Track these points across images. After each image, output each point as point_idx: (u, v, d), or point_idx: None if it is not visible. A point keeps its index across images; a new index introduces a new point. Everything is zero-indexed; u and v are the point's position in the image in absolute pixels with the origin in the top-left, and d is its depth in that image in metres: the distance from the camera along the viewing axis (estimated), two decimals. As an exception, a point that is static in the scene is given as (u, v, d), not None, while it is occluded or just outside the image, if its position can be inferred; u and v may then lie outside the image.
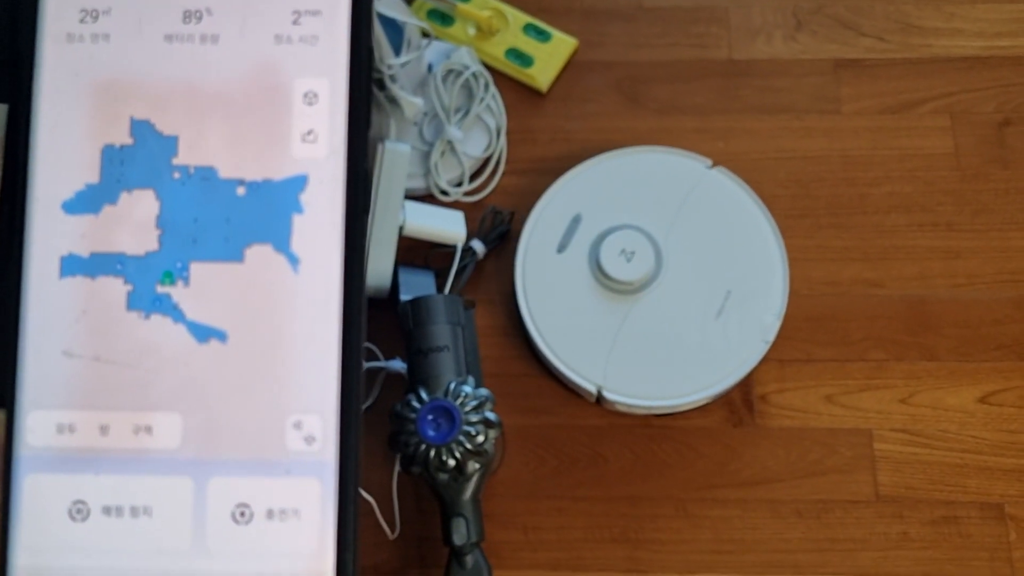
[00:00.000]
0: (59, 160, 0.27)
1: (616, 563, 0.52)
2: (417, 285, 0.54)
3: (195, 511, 0.26)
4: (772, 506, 0.53)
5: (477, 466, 0.47)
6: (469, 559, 0.47)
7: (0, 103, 0.28)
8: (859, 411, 0.54)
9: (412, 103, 0.56)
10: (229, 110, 0.27)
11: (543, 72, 0.62)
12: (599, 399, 0.53)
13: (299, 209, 0.27)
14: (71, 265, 0.27)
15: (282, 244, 0.27)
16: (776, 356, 0.55)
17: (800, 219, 0.58)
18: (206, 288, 0.27)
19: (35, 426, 0.26)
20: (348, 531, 0.26)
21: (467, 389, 0.46)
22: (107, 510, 0.26)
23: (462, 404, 0.46)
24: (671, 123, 0.61)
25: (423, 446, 0.45)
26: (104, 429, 0.26)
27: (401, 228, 0.53)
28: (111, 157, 0.27)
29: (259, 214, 0.27)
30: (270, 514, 0.26)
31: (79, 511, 0.26)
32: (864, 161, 0.60)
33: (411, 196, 0.58)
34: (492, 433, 0.46)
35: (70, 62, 0.27)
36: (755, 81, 0.62)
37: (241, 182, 0.27)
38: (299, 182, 0.27)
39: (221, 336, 0.26)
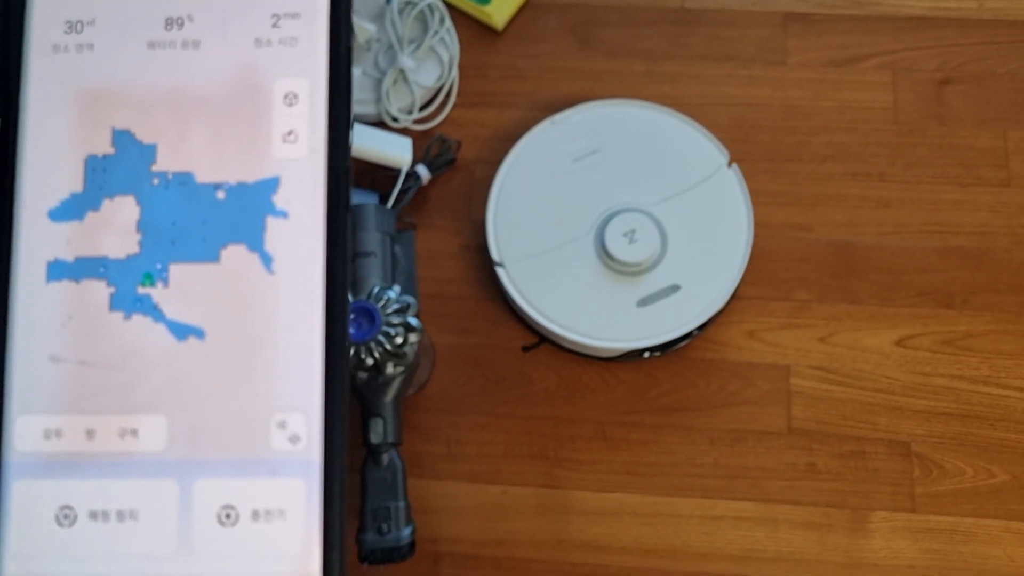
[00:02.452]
0: (45, 170, 0.28)
1: (533, 478, 0.54)
2: (360, 202, 0.56)
3: (181, 514, 0.26)
4: (687, 433, 0.55)
5: (396, 369, 0.48)
6: (384, 457, 0.49)
7: None
8: (779, 347, 0.56)
9: (364, 29, 0.58)
10: (210, 115, 0.28)
11: (500, 11, 0.64)
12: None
13: (273, 209, 0.27)
14: (57, 270, 0.28)
15: (255, 243, 0.27)
16: (703, 291, 0.57)
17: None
18: (185, 288, 0.27)
19: (23, 432, 0.27)
20: (334, 531, 0.26)
21: (391, 294, 0.48)
22: (93, 515, 0.26)
23: (384, 307, 0.47)
24: (621, 66, 0.63)
25: (344, 345, 0.46)
26: (90, 433, 0.27)
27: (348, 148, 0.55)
28: (94, 166, 0.28)
29: (234, 215, 0.27)
30: (256, 515, 0.26)
31: (66, 516, 0.26)
32: (805, 111, 0.61)
33: (362, 121, 0.60)
34: (412, 337, 0.48)
35: (55, 73, 0.28)
36: (705, 29, 0.63)
37: (218, 185, 0.28)
38: (272, 183, 0.27)
39: (199, 334, 0.27)
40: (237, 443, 0.26)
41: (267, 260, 0.27)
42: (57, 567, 0.26)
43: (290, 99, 0.28)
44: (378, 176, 0.58)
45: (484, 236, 0.57)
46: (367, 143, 0.57)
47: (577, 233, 0.56)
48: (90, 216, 0.28)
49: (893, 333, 0.56)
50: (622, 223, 0.54)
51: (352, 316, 0.47)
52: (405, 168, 0.58)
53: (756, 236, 0.58)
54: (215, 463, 0.26)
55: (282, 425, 0.26)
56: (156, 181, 0.28)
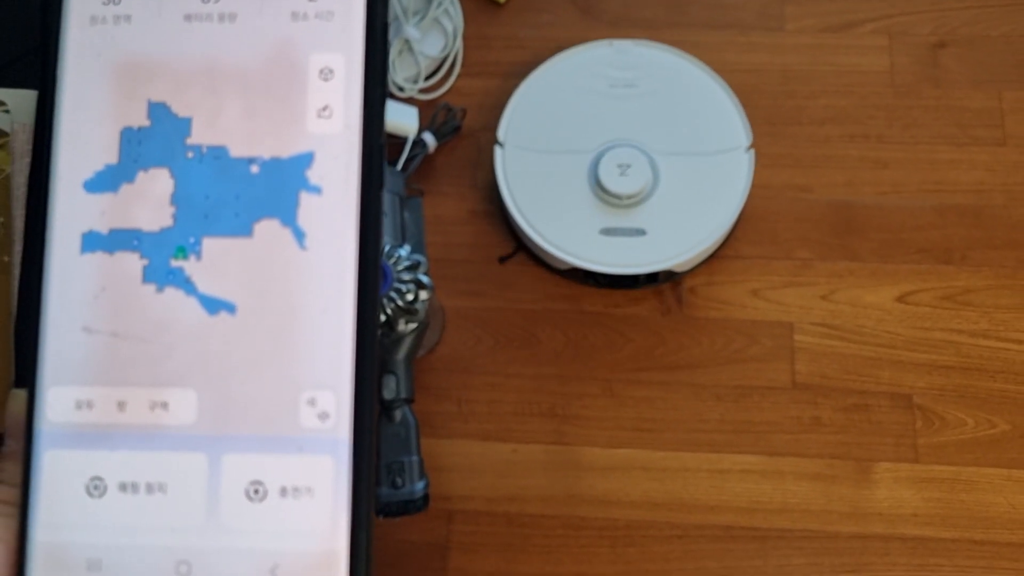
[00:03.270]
0: (81, 142, 0.28)
1: (543, 436, 0.55)
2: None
3: (209, 488, 0.26)
4: (693, 389, 0.56)
5: (408, 326, 0.49)
6: (397, 413, 0.50)
7: (32, 89, 0.29)
8: (782, 305, 0.57)
9: None
10: (245, 89, 0.28)
11: (502, -18, 0.65)
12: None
13: (306, 184, 0.27)
14: (91, 241, 0.28)
15: (288, 218, 0.27)
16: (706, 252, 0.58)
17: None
18: (217, 262, 0.27)
19: (55, 402, 0.27)
20: (362, 510, 0.26)
21: (402, 252, 0.49)
22: (123, 486, 0.26)
23: (395, 264, 0.48)
24: (622, 35, 0.64)
25: (356, 302, 0.47)
26: (121, 405, 0.27)
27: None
28: (129, 138, 0.28)
29: (268, 190, 0.27)
30: (284, 491, 0.26)
31: (96, 487, 0.26)
32: (803, 76, 0.62)
33: (368, 91, 0.61)
34: (423, 294, 0.49)
35: (93, 44, 0.28)
36: (704, -2, 0.65)
37: (252, 160, 0.27)
38: (307, 159, 0.27)
39: (230, 308, 0.27)
40: (266, 419, 0.26)
41: (300, 236, 0.27)
42: (86, 537, 0.26)
43: (325, 74, 0.28)
44: (386, 144, 0.59)
45: (490, 198, 0.58)
46: (374, 111, 0.58)
47: (581, 148, 0.57)
48: (124, 188, 0.28)
49: (894, 289, 0.57)
50: (622, 155, 0.56)
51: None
52: (412, 136, 0.59)
53: (757, 197, 0.60)
54: (244, 438, 0.26)
55: (311, 402, 0.26)
56: (190, 154, 0.28)
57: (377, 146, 0.27)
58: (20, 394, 0.27)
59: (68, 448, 0.27)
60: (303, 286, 0.27)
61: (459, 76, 0.63)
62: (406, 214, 0.56)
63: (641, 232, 0.55)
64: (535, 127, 0.58)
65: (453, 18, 0.63)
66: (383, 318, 0.48)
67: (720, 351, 0.57)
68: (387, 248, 0.50)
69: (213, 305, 0.27)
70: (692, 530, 0.53)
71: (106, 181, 0.28)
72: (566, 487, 0.54)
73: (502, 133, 0.58)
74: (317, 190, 0.27)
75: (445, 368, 0.57)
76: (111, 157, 0.28)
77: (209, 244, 0.27)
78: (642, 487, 0.54)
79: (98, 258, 0.27)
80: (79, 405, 0.27)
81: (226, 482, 0.26)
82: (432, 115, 0.61)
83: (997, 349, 0.56)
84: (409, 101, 0.62)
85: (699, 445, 0.55)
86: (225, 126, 0.27)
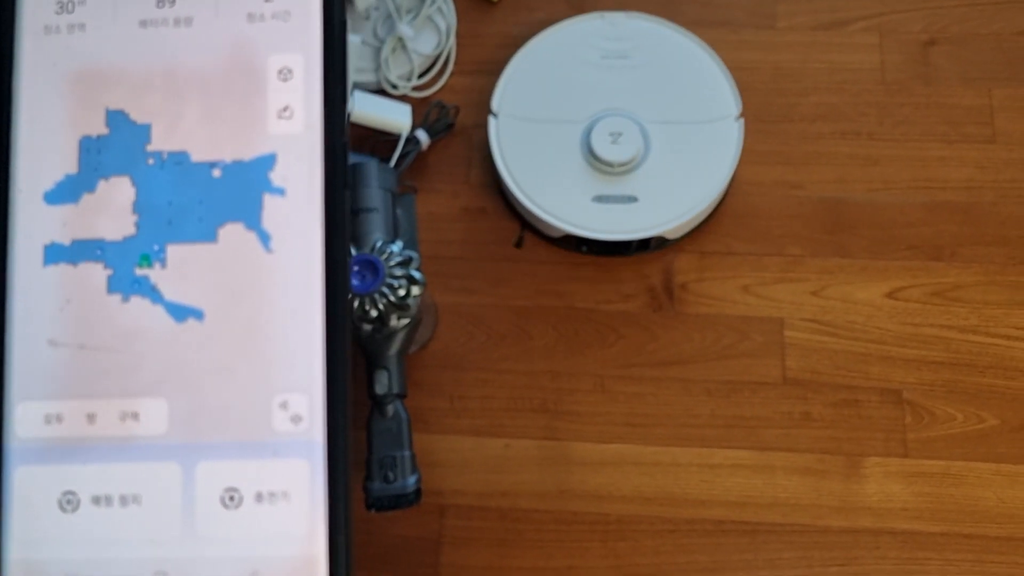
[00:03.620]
0: (40, 153, 0.28)
1: (534, 431, 0.56)
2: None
3: (184, 497, 0.26)
4: (684, 385, 0.56)
5: (400, 322, 0.50)
6: (390, 408, 0.50)
7: None
8: (773, 301, 0.58)
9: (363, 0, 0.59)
10: (204, 93, 0.27)
11: (495, -19, 0.65)
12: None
13: (269, 186, 0.27)
14: (54, 253, 0.27)
15: (253, 222, 0.27)
16: (697, 248, 0.58)
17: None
18: (182, 269, 0.27)
19: (23, 418, 0.26)
20: (340, 512, 0.25)
21: (394, 248, 0.49)
22: (96, 499, 0.26)
23: (387, 259, 0.49)
24: (614, 33, 0.64)
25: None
26: (91, 417, 0.26)
27: (349, 115, 0.57)
28: (88, 147, 0.28)
29: (231, 194, 0.27)
30: (259, 497, 0.26)
31: (69, 502, 0.26)
32: (795, 73, 0.63)
33: (362, 88, 0.61)
34: (415, 289, 0.49)
35: (47, 54, 0.28)
36: (696, -4, 0.65)
37: (214, 164, 0.27)
38: (269, 160, 0.27)
39: (198, 315, 0.26)
40: (239, 425, 0.26)
41: (265, 238, 0.27)
42: (61, 553, 0.26)
43: (285, 74, 0.27)
44: (378, 142, 0.60)
45: (482, 195, 0.59)
46: (368, 109, 0.58)
47: (573, 118, 0.58)
48: (86, 198, 0.27)
49: (884, 285, 0.58)
50: (614, 123, 0.57)
51: (356, 268, 0.49)
52: (405, 133, 0.59)
53: (748, 194, 0.60)
54: (217, 445, 0.26)
55: (284, 406, 0.26)
56: (151, 161, 0.27)
57: (340, 144, 0.27)
58: None
59: (39, 464, 0.26)
60: (271, 289, 0.26)
61: (452, 74, 0.63)
62: (399, 211, 0.57)
63: (633, 199, 0.57)
64: (529, 97, 0.59)
65: (446, 16, 0.63)
66: (375, 314, 0.49)
67: (711, 347, 0.57)
68: (379, 244, 0.50)
69: (180, 312, 0.27)
70: (683, 524, 0.53)
71: (66, 192, 0.27)
72: (558, 482, 0.55)
73: (496, 103, 0.59)
74: (281, 192, 0.27)
75: (437, 364, 0.57)
76: (70, 167, 0.27)
77: (174, 251, 0.27)
78: (633, 482, 0.54)
79: (61, 270, 0.27)
80: (48, 419, 0.26)
81: (201, 490, 0.26)
82: (425, 112, 0.61)
83: (986, 344, 0.56)
84: (402, 99, 0.62)
85: (690, 440, 0.55)
86: (185, 131, 0.27)
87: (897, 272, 0.58)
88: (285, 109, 0.27)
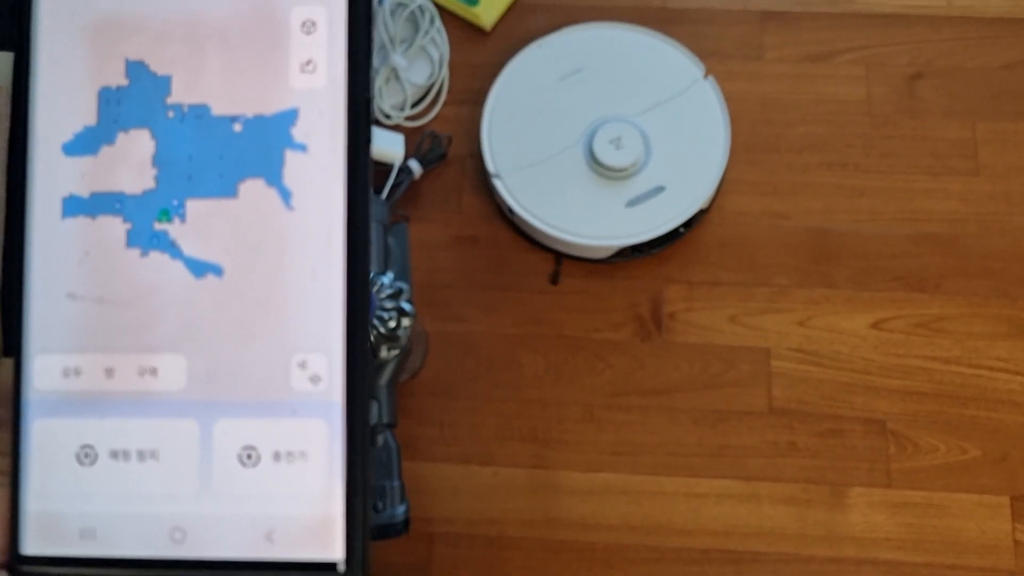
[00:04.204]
0: (58, 104, 0.27)
1: (523, 459, 0.56)
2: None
3: (202, 454, 0.26)
4: (672, 414, 0.57)
5: (390, 352, 0.50)
6: (380, 438, 0.51)
7: (6, 51, 0.28)
8: (760, 331, 0.58)
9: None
10: (225, 45, 0.27)
11: (488, 11, 0.66)
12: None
13: (291, 142, 0.26)
14: (73, 206, 0.27)
15: (274, 178, 0.26)
16: (686, 278, 0.59)
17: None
18: (202, 224, 0.26)
19: (42, 371, 0.26)
20: (357, 473, 0.25)
21: (385, 280, 0.50)
22: (114, 454, 0.26)
23: (378, 291, 0.49)
24: (605, 63, 0.65)
25: (340, 329, 0.48)
26: (109, 372, 0.26)
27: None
28: (107, 99, 0.27)
29: (252, 149, 0.26)
30: (277, 456, 0.25)
31: (87, 455, 0.26)
32: (782, 104, 0.64)
33: (355, 118, 0.62)
34: (406, 321, 0.50)
35: (65, 3, 0.27)
36: (686, 28, 0.66)
37: (235, 118, 0.27)
38: (291, 115, 0.26)
39: (217, 271, 0.26)
40: (257, 383, 0.26)
41: (286, 195, 0.26)
42: (78, 507, 0.26)
43: (308, 27, 0.27)
44: (373, 98, 0.60)
45: (474, 224, 0.59)
46: (360, 138, 0.59)
47: (567, 144, 0.60)
48: (105, 150, 0.27)
49: (869, 316, 0.58)
50: (608, 131, 0.59)
51: (348, 301, 0.49)
52: (398, 163, 0.60)
53: (736, 224, 0.61)
54: (235, 403, 0.26)
55: (303, 365, 0.26)
56: (171, 114, 0.27)
57: (364, 100, 0.26)
58: (7, 363, 0.27)
59: (57, 417, 0.26)
60: (291, 246, 0.26)
61: (445, 103, 0.64)
62: (391, 240, 0.57)
63: (661, 189, 0.58)
64: (517, 147, 0.60)
65: (440, 46, 0.64)
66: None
67: (698, 376, 0.58)
68: (372, 277, 0.50)
69: (199, 268, 0.26)
70: (669, 553, 0.54)
71: (85, 143, 0.27)
72: (546, 510, 0.55)
73: (492, 166, 0.59)
74: (302, 148, 0.26)
75: (428, 392, 0.57)
76: (90, 119, 0.27)
77: (193, 206, 0.27)
78: (620, 511, 0.55)
79: (80, 223, 0.27)
80: (66, 373, 0.26)
81: (218, 448, 0.26)
82: (418, 142, 0.62)
83: (969, 376, 0.57)
84: (395, 128, 0.63)
85: (677, 469, 0.56)
86: (206, 84, 0.27)
87: (882, 303, 0.59)
88: (308, 63, 0.27)
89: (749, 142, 0.62)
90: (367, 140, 0.27)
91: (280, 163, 0.26)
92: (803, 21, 0.66)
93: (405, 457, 0.53)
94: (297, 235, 0.26)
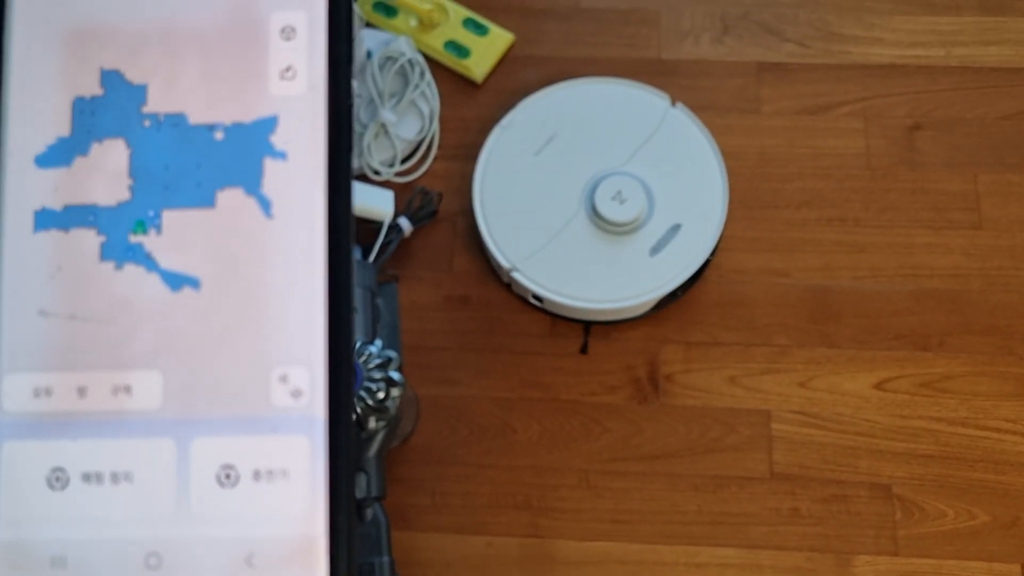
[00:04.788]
0: (31, 115, 0.27)
1: (518, 528, 0.54)
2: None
3: (178, 474, 0.25)
4: (671, 480, 0.55)
5: (379, 424, 0.49)
6: (368, 512, 0.49)
7: None
8: (760, 393, 0.57)
9: (346, 85, 0.59)
10: (203, 52, 0.26)
11: (479, 64, 0.65)
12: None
13: (271, 150, 0.26)
14: (45, 219, 0.26)
15: (253, 187, 0.26)
16: (683, 339, 0.58)
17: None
18: (179, 235, 0.26)
19: (11, 391, 0.25)
20: (341, 492, 0.24)
21: (372, 349, 0.49)
22: (87, 477, 0.25)
23: (366, 362, 0.48)
24: (599, 116, 0.64)
25: (327, 401, 0.47)
26: (82, 391, 0.25)
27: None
28: (82, 109, 0.26)
29: (231, 158, 0.26)
30: (257, 475, 0.25)
31: (58, 479, 0.25)
32: (779, 158, 0.62)
33: (344, 175, 0.61)
34: (395, 391, 0.48)
35: (41, 11, 0.27)
36: (681, 80, 0.65)
37: (213, 126, 0.26)
38: (270, 123, 0.26)
39: (194, 284, 0.25)
40: (236, 399, 0.25)
41: (265, 204, 0.26)
42: (50, 533, 0.25)
43: (288, 33, 0.26)
44: (360, 229, 0.59)
45: (466, 284, 0.58)
46: (349, 197, 0.58)
47: (568, 213, 0.58)
48: (78, 161, 0.26)
49: (871, 376, 0.57)
50: (606, 188, 0.57)
51: (334, 372, 0.48)
52: (387, 221, 0.59)
53: (733, 282, 0.59)
54: (213, 421, 0.25)
55: (283, 379, 0.25)
56: (147, 123, 0.26)
57: (345, 107, 0.26)
58: None
59: (27, 439, 0.25)
60: (271, 257, 0.25)
61: (436, 158, 0.63)
62: (380, 301, 0.56)
63: (678, 227, 0.57)
64: (521, 234, 0.58)
65: (430, 100, 0.63)
66: (354, 417, 0.48)
67: (697, 440, 0.56)
68: (358, 345, 0.49)
69: (176, 281, 0.26)
70: (669, 627, 0.52)
71: (59, 155, 0.26)
72: (541, 582, 0.53)
73: (506, 262, 0.57)
74: (282, 156, 0.26)
75: (419, 459, 0.56)
76: (63, 129, 0.26)
77: (170, 217, 0.26)
78: (619, 581, 0.53)
79: (52, 236, 0.26)
80: (37, 392, 0.25)
81: (196, 468, 0.25)
82: (408, 199, 0.61)
83: (976, 437, 0.56)
84: (385, 185, 0.62)
85: (676, 537, 0.54)
86: (183, 92, 0.26)
87: (884, 362, 0.57)
88: (288, 69, 0.26)
89: (746, 198, 0.61)
90: (348, 147, 0.26)
91: (259, 172, 0.26)
92: (799, 73, 0.65)
93: (395, 527, 0.51)
94: (277, 245, 0.25)
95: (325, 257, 0.25)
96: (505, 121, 0.61)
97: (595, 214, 0.57)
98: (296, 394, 0.25)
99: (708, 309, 0.58)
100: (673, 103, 0.60)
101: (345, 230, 0.25)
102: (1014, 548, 0.53)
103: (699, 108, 0.64)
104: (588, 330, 0.58)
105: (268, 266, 0.26)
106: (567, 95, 0.62)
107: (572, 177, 0.59)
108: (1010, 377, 0.57)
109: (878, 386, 0.57)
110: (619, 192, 0.57)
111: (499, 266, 0.58)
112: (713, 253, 0.57)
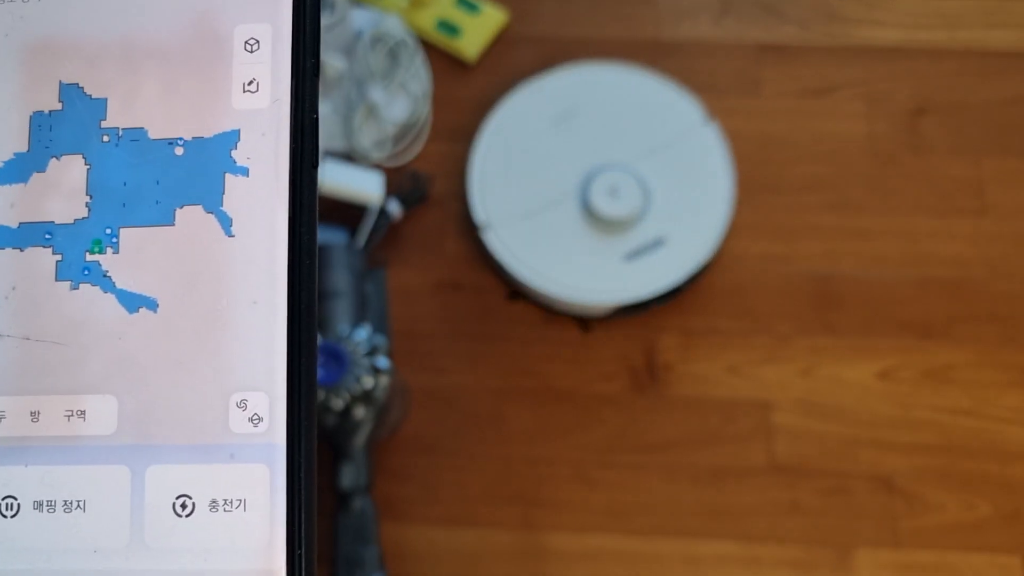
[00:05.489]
0: None
1: (510, 521, 0.53)
2: (329, 241, 0.55)
3: (133, 504, 0.24)
4: (668, 471, 0.54)
5: (366, 412, 0.47)
6: (356, 503, 0.47)
7: None
8: (760, 382, 0.55)
9: (333, 66, 0.57)
10: (165, 65, 0.26)
11: (471, 43, 0.63)
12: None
13: (232, 165, 0.25)
14: (0, 237, 0.26)
15: (213, 204, 0.25)
16: (681, 326, 0.56)
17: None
18: (137, 255, 0.25)
19: None
20: (299, 524, 0.23)
21: (361, 335, 0.47)
22: (39, 505, 0.24)
23: (353, 349, 0.46)
24: (595, 98, 0.62)
25: (313, 389, 0.45)
26: (35, 415, 0.25)
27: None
28: (40, 124, 0.26)
29: (191, 174, 0.25)
30: (214, 505, 0.24)
31: (9, 507, 0.24)
32: (780, 142, 0.61)
33: (332, 156, 0.59)
34: (383, 380, 0.47)
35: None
36: (679, 61, 0.63)
37: (173, 142, 0.25)
38: (231, 137, 0.25)
39: (152, 305, 0.25)
40: (193, 425, 0.24)
41: (226, 222, 0.25)
42: (0, 562, 0.24)
43: (251, 45, 0.26)
44: (349, 213, 0.57)
45: (458, 269, 0.56)
46: (337, 180, 0.56)
47: (561, 193, 0.57)
48: (35, 178, 0.26)
49: (874, 365, 0.56)
50: (605, 180, 0.56)
51: (320, 359, 0.46)
52: (376, 204, 0.57)
53: (734, 269, 0.58)
54: (169, 448, 0.24)
55: (242, 405, 0.24)
56: (106, 138, 0.26)
57: (309, 121, 0.25)
58: None
59: None
60: (231, 277, 0.25)
61: (427, 141, 0.61)
62: (368, 286, 0.54)
63: (661, 242, 0.55)
64: (508, 196, 0.57)
65: (421, 81, 0.61)
66: (340, 405, 0.46)
67: (695, 431, 0.55)
68: (345, 331, 0.47)
69: (133, 302, 0.25)
70: (666, 621, 0.51)
71: (15, 171, 0.26)
72: (534, 575, 0.52)
73: (481, 216, 0.56)
74: (244, 171, 0.25)
75: (409, 449, 0.54)
76: (20, 145, 0.26)
77: (127, 235, 0.25)
78: (613, 574, 0.52)
79: (7, 255, 0.25)
80: None
81: (151, 497, 0.24)
82: (398, 182, 0.59)
83: (979, 428, 0.54)
84: (376, 168, 0.60)
85: (673, 530, 0.53)
86: (143, 106, 0.26)
87: (887, 351, 0.56)
88: (251, 82, 0.26)
89: (747, 182, 0.60)
90: (313, 163, 0.25)
91: (220, 188, 0.25)
92: (801, 55, 0.63)
93: (384, 518, 0.50)
94: (237, 264, 0.25)
95: (287, 276, 0.25)
96: (536, 82, 0.59)
97: (586, 202, 0.56)
98: (255, 420, 0.24)
99: (707, 296, 0.57)
100: (710, 120, 0.58)
101: (309, 249, 0.25)
102: (1016, 540, 0.52)
103: (698, 90, 0.62)
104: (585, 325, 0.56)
105: (228, 286, 0.25)
106: (604, 76, 0.60)
107: (577, 158, 0.57)
108: (1014, 366, 0.55)
109: (881, 375, 0.55)
110: (616, 187, 0.55)
111: (475, 222, 0.57)
112: (688, 283, 0.55)
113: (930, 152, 0.60)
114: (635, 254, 0.55)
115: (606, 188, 0.55)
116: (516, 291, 0.55)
